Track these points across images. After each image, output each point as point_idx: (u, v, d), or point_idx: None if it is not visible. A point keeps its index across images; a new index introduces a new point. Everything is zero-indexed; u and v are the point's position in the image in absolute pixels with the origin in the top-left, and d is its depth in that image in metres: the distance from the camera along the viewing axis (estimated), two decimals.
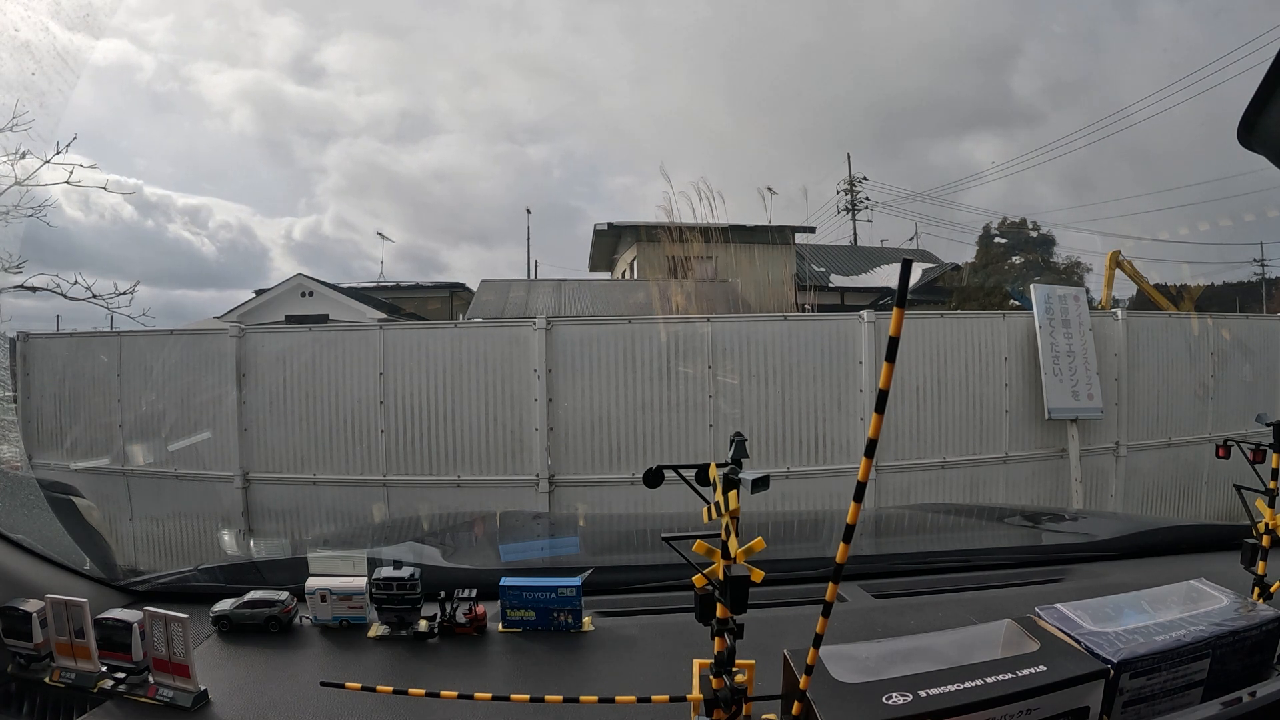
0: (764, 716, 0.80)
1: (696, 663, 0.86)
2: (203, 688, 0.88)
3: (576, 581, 1.11)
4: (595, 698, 0.81)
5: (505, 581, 1.11)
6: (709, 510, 0.72)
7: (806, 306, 11.21)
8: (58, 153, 4.22)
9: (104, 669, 0.91)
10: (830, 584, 0.67)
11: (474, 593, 1.11)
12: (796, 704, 0.71)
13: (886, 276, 14.93)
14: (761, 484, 0.66)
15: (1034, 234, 16.51)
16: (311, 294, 12.71)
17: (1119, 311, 5.83)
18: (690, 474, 0.73)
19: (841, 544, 0.63)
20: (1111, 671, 0.75)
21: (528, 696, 0.81)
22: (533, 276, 15.50)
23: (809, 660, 0.69)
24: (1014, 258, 16.48)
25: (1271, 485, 1.01)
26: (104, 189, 5.33)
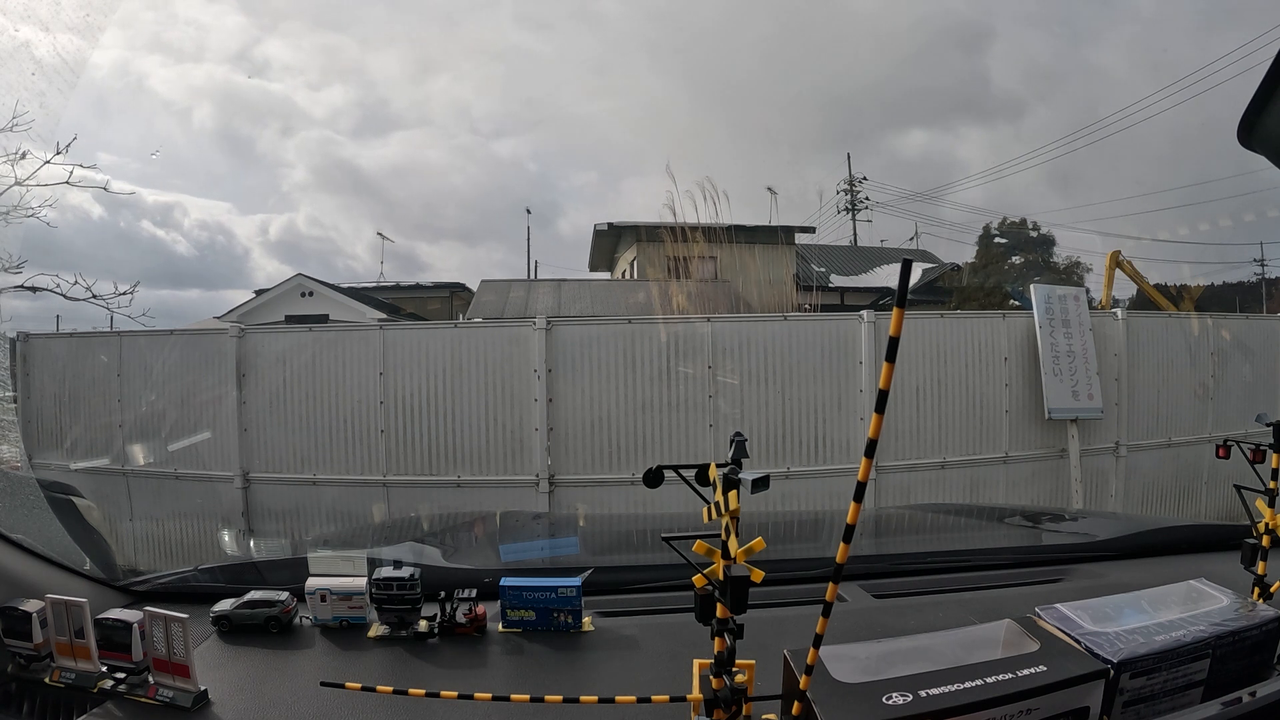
0: (764, 716, 0.80)
1: (696, 663, 0.86)
2: (203, 688, 0.88)
3: (576, 581, 1.11)
4: (595, 698, 0.81)
5: (505, 581, 1.11)
6: (709, 510, 0.72)
7: (807, 306, 11.21)
8: (58, 153, 4.22)
9: (104, 669, 0.91)
10: (830, 584, 0.67)
11: (474, 593, 1.11)
12: (796, 704, 0.71)
13: (886, 276, 14.94)
14: (761, 484, 0.66)
15: (1034, 234, 16.53)
16: (311, 294, 12.72)
17: (1119, 311, 5.83)
18: (690, 474, 0.73)
19: (841, 544, 0.63)
20: (1111, 671, 0.75)
21: (528, 696, 0.81)
22: (532, 276, 15.51)
23: (809, 660, 0.69)
24: (1014, 258, 16.50)
25: (1271, 485, 1.01)
26: (104, 189, 5.31)
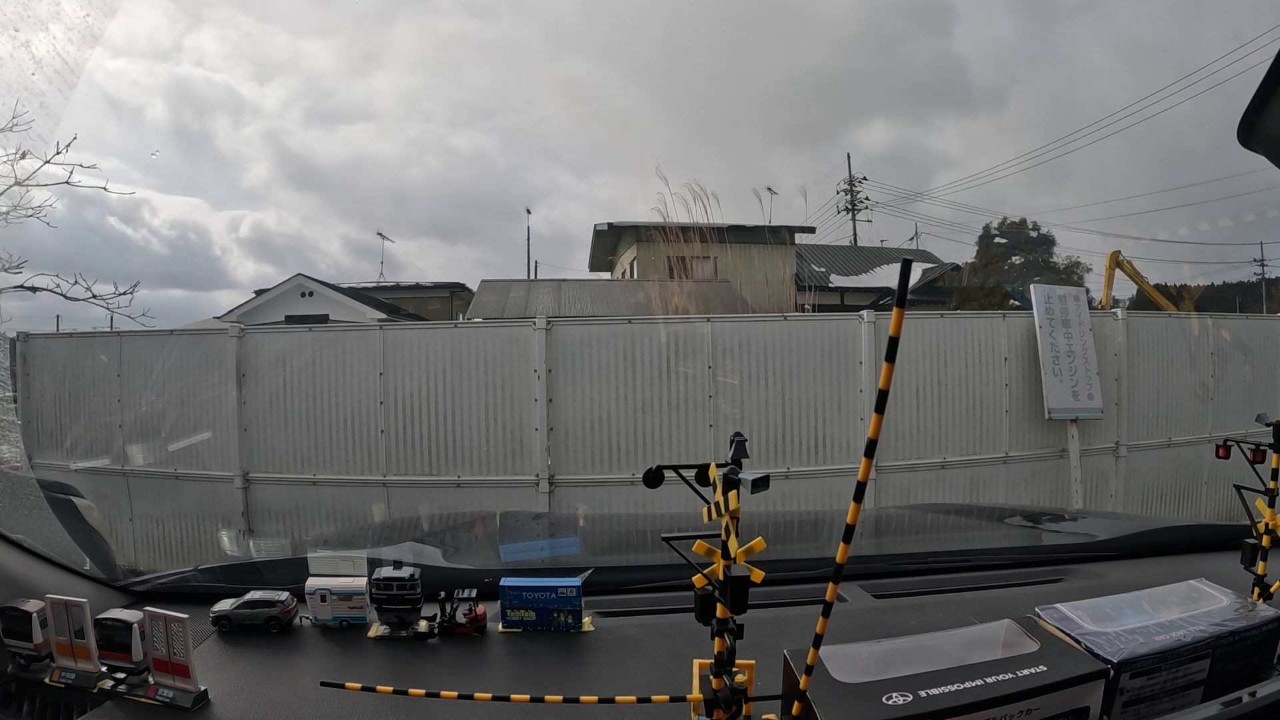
0: (764, 716, 0.80)
1: (696, 663, 0.86)
2: (203, 688, 0.88)
3: (576, 581, 1.11)
4: (595, 698, 0.81)
5: (505, 581, 1.11)
6: (709, 510, 0.72)
7: (806, 307, 11.22)
8: (57, 153, 4.21)
9: (104, 669, 0.91)
10: (830, 584, 0.67)
11: (474, 593, 1.11)
12: (796, 704, 0.71)
13: (886, 276, 14.95)
14: (761, 484, 0.66)
15: (1033, 234, 16.53)
16: (311, 294, 12.71)
17: (1119, 311, 5.83)
18: (690, 474, 0.73)
19: (841, 544, 0.63)
20: (1111, 671, 0.75)
21: (528, 697, 0.81)
22: (532, 276, 15.52)
23: (809, 660, 0.69)
24: (1014, 258, 16.49)
25: (1271, 485, 1.01)
26: (104, 189, 5.30)
